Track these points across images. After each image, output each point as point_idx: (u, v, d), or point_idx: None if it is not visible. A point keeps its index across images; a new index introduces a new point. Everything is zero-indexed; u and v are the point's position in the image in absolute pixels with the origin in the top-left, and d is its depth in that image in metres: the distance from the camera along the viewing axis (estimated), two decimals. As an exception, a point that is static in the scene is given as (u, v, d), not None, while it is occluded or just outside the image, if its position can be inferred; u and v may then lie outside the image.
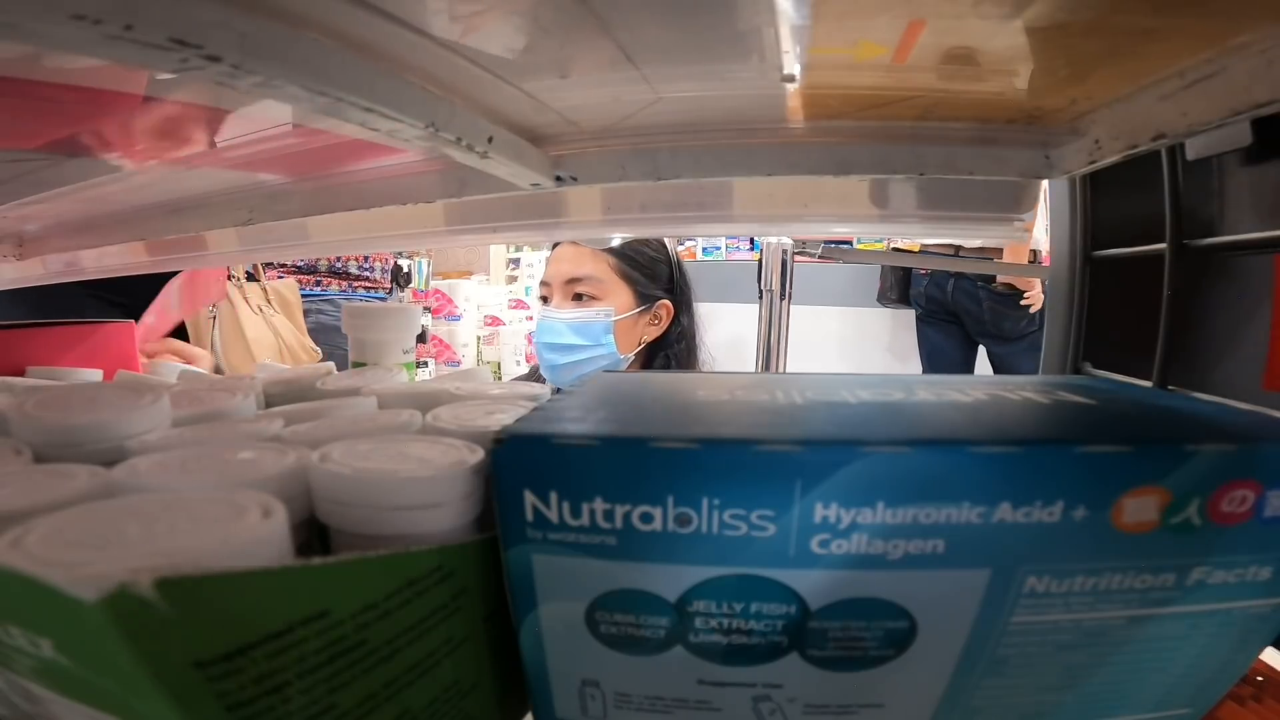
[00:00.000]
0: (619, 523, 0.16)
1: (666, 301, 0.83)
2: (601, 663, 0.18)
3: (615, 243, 0.79)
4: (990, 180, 0.32)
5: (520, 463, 0.16)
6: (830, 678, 0.18)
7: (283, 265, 1.40)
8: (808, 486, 0.15)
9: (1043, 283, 1.47)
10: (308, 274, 1.45)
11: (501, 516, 0.17)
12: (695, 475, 0.16)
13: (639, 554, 0.16)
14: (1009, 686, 0.18)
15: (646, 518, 0.16)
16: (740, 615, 0.17)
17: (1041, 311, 1.50)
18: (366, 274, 1.52)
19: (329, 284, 1.47)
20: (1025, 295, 1.56)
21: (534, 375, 0.93)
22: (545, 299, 0.84)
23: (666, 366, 0.83)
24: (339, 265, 1.48)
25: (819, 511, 0.16)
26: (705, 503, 0.16)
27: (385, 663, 0.16)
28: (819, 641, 0.17)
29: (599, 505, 0.16)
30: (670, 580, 0.17)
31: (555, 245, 0.85)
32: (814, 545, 0.16)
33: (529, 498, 0.16)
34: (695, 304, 0.87)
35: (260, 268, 1.25)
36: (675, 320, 0.84)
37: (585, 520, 0.16)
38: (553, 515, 0.16)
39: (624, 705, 0.19)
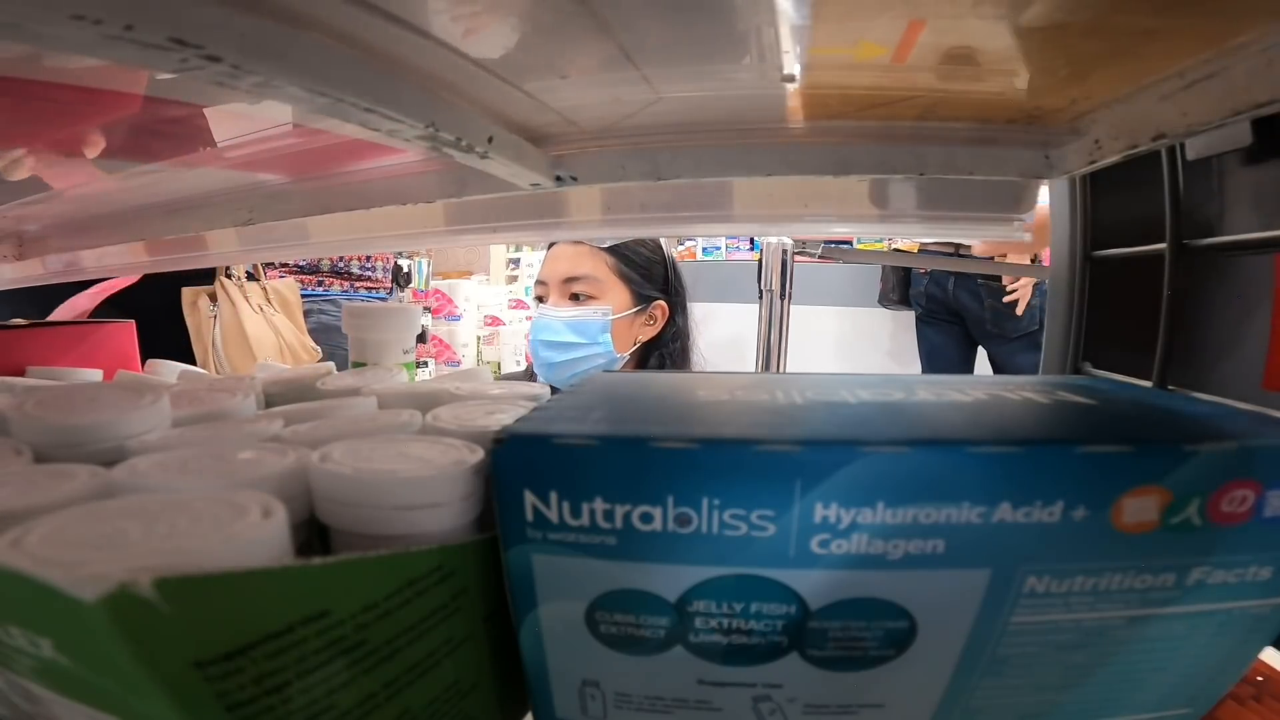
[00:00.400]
0: (619, 523, 0.16)
1: (662, 302, 0.83)
2: (601, 663, 0.18)
3: (608, 243, 0.79)
4: (990, 180, 0.32)
5: (520, 462, 0.16)
6: (830, 678, 0.18)
7: (284, 265, 1.40)
8: (808, 486, 0.15)
9: (1038, 283, 1.47)
10: (310, 274, 1.45)
11: (501, 516, 0.17)
12: (695, 475, 0.16)
13: (639, 554, 0.16)
14: (1009, 687, 0.18)
15: (646, 518, 0.16)
16: (740, 615, 0.17)
17: (1042, 309, 1.49)
18: (368, 274, 1.52)
19: (331, 284, 1.47)
20: (1010, 291, 1.54)
21: (529, 374, 0.93)
22: (541, 298, 0.84)
23: (661, 366, 0.83)
24: (341, 265, 1.48)
25: (819, 511, 0.16)
26: (705, 503, 0.16)
27: (385, 663, 0.16)
28: (819, 641, 0.17)
29: (599, 505, 0.16)
30: (670, 580, 0.17)
31: (551, 244, 0.85)
32: (814, 545, 0.16)
33: (529, 498, 0.16)
34: (690, 305, 0.87)
35: (260, 267, 1.25)
36: (670, 320, 0.84)
37: (585, 520, 0.16)
38: (553, 515, 0.16)
39: (624, 705, 0.19)
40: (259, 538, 0.14)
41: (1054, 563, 0.16)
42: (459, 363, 2.45)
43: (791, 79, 0.26)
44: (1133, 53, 0.23)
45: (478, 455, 0.20)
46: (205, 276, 1.17)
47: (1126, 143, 0.26)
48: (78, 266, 0.57)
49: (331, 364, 0.39)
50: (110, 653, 0.11)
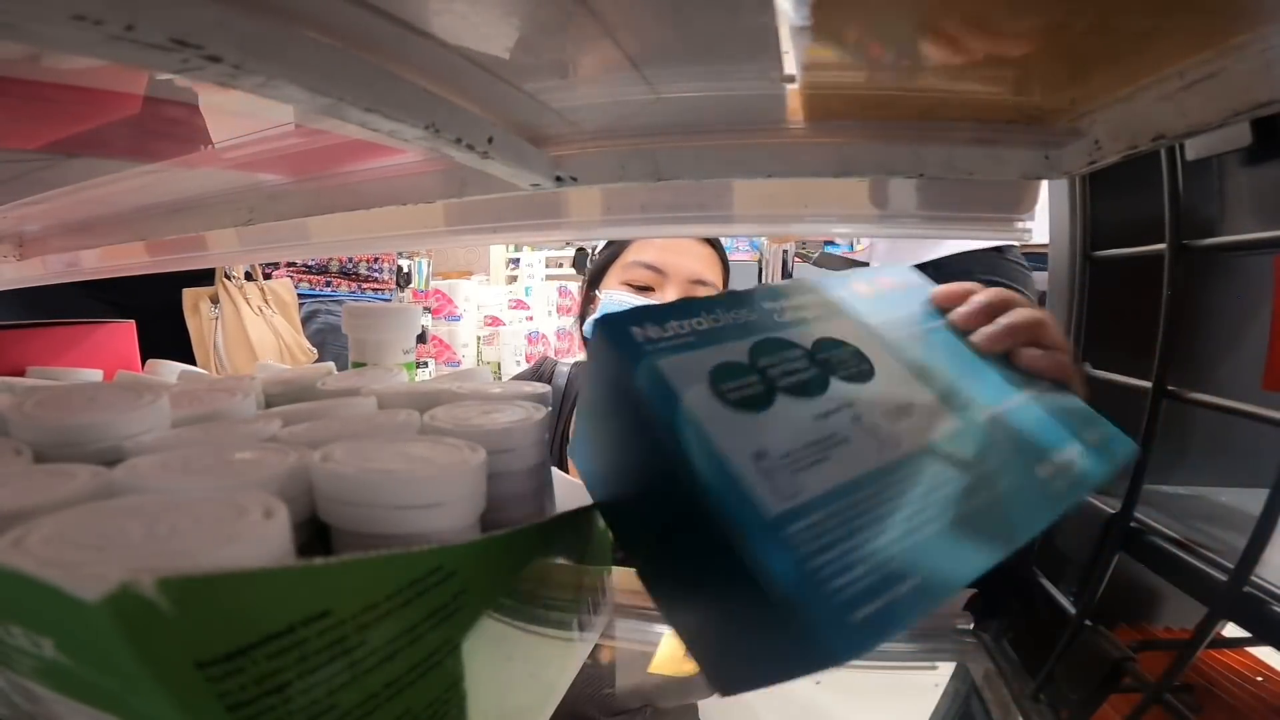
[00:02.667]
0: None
1: None
2: (743, 429, 0.19)
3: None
4: (990, 180, 0.32)
5: (617, 317, 0.21)
6: (864, 387, 0.22)
7: (291, 265, 1.40)
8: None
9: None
10: (318, 274, 1.44)
11: (618, 348, 0.20)
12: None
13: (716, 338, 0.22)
14: None
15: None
16: (786, 362, 0.22)
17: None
18: (375, 275, 1.52)
19: (339, 285, 1.46)
20: None
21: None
22: (648, 287, 0.71)
23: None
24: (350, 266, 1.48)
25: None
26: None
27: (386, 663, 0.16)
28: (834, 367, 0.22)
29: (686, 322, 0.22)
30: (739, 350, 0.21)
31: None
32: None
33: (634, 330, 0.20)
34: None
35: (258, 267, 1.25)
36: None
37: (674, 330, 0.21)
38: (652, 333, 0.21)
39: (796, 466, 0.19)
40: (260, 538, 0.14)
41: None
42: (459, 363, 2.45)
43: (791, 79, 0.26)
44: (1133, 53, 0.23)
45: (479, 455, 0.20)
46: (205, 278, 1.17)
47: (1126, 143, 0.26)
48: (78, 266, 0.57)
49: (332, 364, 0.39)
50: (112, 653, 0.11)
